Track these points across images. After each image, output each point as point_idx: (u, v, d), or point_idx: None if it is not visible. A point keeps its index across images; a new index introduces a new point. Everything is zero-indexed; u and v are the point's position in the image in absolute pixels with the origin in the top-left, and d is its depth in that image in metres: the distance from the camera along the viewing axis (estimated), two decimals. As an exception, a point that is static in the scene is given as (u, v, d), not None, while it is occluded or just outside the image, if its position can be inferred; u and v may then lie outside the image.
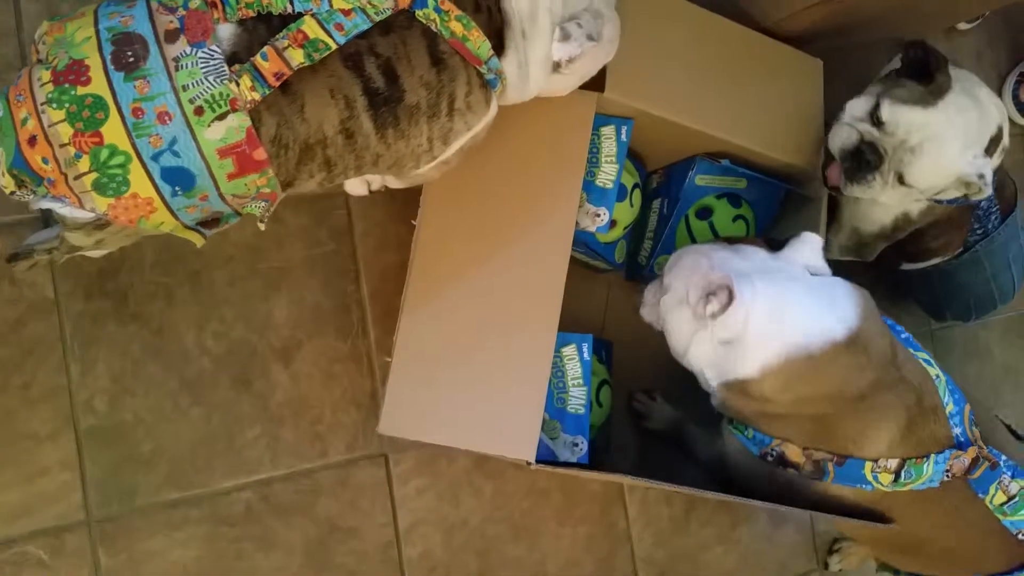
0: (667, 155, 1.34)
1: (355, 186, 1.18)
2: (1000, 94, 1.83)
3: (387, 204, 1.27)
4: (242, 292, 1.18)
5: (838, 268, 1.13)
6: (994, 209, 1.40)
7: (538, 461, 1.06)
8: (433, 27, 0.87)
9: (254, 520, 1.16)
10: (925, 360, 1.14)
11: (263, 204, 0.92)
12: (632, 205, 1.30)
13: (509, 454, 1.06)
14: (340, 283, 1.24)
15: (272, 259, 1.20)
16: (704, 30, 1.26)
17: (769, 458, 1.12)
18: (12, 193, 0.83)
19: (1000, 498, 1.12)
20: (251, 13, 0.83)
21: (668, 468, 1.20)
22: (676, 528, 1.43)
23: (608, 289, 1.42)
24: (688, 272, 1.07)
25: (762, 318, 1.01)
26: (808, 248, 1.09)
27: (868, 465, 1.07)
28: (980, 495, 1.12)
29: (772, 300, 1.01)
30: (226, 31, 0.82)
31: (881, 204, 1.34)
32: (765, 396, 1.05)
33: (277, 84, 0.82)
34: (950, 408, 1.11)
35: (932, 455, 1.07)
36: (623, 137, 1.21)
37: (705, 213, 1.33)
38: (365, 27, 0.84)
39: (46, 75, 0.80)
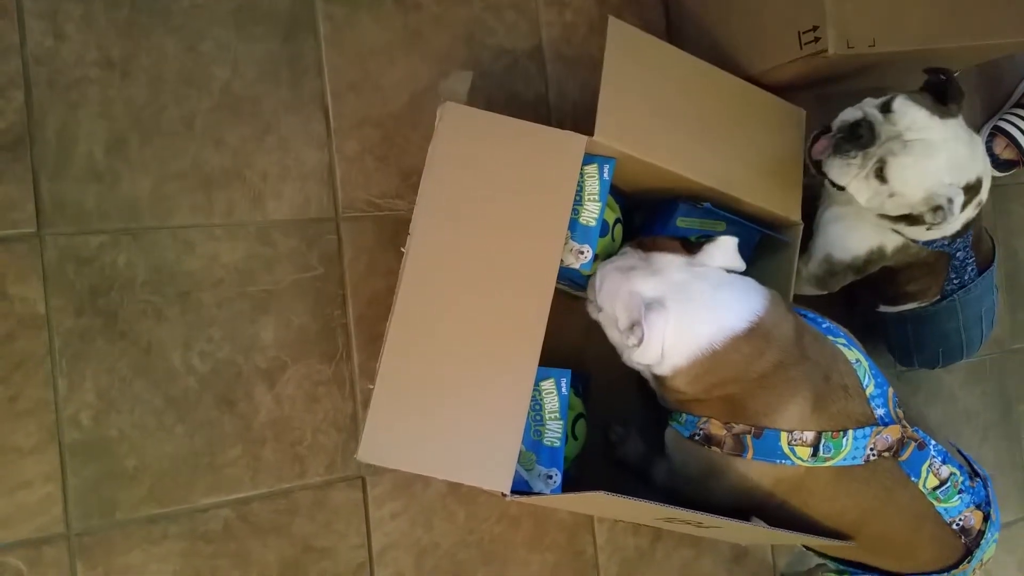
0: (649, 191, 1.38)
1: None
2: (974, 146, 1.88)
3: (377, 231, 1.30)
4: (230, 313, 1.20)
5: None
6: (970, 261, 1.44)
7: (512, 492, 1.09)
8: None
9: (231, 537, 1.18)
10: (844, 345, 1.20)
11: None
12: (614, 240, 1.33)
13: (485, 485, 1.09)
14: (327, 307, 1.26)
15: (261, 282, 1.22)
16: (692, 77, 1.30)
17: (697, 438, 1.17)
18: None
19: (932, 481, 1.15)
20: None
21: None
22: (642, 557, 1.47)
23: (587, 320, 1.45)
24: (612, 297, 1.17)
25: (673, 336, 1.11)
26: (721, 252, 1.16)
27: (784, 436, 1.11)
28: (913, 479, 1.15)
29: (682, 317, 1.11)
30: None
31: (858, 232, 1.38)
32: (679, 389, 1.16)
33: None
34: (871, 390, 1.15)
35: (850, 430, 1.11)
36: (605, 175, 1.24)
37: (684, 253, 1.36)
38: None
39: None
